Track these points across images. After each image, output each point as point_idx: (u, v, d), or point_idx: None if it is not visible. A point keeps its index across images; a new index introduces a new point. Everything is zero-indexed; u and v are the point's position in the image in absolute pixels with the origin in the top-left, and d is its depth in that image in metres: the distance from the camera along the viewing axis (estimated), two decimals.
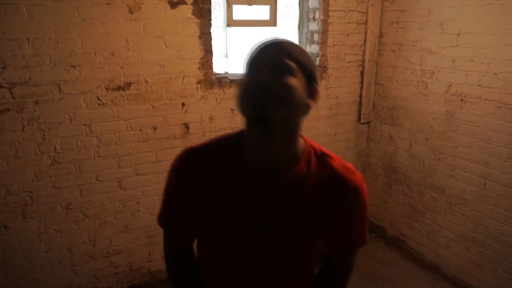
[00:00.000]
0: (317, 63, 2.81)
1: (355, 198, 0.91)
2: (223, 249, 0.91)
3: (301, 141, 0.90)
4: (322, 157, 0.92)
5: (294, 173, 0.88)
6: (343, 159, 0.95)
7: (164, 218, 0.99)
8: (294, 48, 0.84)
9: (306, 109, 0.84)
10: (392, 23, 2.85)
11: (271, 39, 0.87)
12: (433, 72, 2.56)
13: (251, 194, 0.87)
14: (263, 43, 0.85)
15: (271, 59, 0.81)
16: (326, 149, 0.95)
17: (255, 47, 0.85)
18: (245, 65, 0.85)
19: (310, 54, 0.99)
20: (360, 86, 3.04)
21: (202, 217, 0.90)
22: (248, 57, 0.85)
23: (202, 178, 0.89)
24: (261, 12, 2.70)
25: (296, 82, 0.80)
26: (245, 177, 0.87)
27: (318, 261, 0.98)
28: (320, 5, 2.68)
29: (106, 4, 1.99)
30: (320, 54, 2.78)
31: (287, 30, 3.01)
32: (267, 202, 0.86)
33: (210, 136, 2.48)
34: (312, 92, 0.85)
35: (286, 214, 0.87)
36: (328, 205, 0.89)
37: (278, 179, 0.87)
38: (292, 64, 0.80)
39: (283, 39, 0.88)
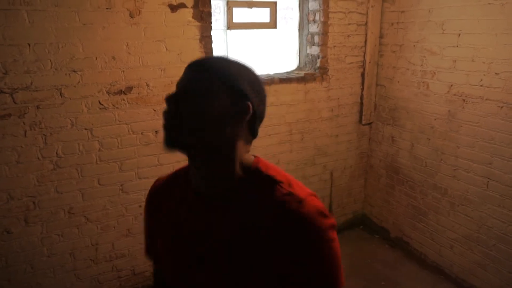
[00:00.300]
0: (317, 64, 2.81)
1: (299, 238, 0.70)
2: (170, 282, 0.87)
3: (245, 165, 0.78)
4: (266, 183, 0.76)
5: (230, 205, 0.76)
6: (303, 185, 0.78)
7: (147, 249, 0.98)
8: (214, 66, 0.75)
9: (232, 130, 0.74)
10: (392, 24, 2.85)
11: (197, 60, 0.79)
12: (434, 73, 2.56)
13: (189, 225, 0.80)
14: (186, 66, 0.78)
15: (181, 84, 0.76)
16: (278, 173, 0.79)
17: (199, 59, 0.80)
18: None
19: (252, 70, 0.80)
20: (361, 87, 3.04)
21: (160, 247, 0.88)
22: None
23: (160, 209, 0.88)
24: (261, 14, 2.71)
25: (201, 101, 0.72)
26: (187, 207, 0.82)
27: None
28: (320, 7, 2.69)
29: (107, 8, 2.00)
30: (320, 56, 2.78)
31: (287, 32, 3.02)
32: (201, 235, 0.78)
33: None
34: (241, 110, 0.74)
35: (218, 252, 0.76)
36: (267, 246, 0.71)
37: (213, 210, 0.77)
38: (200, 86, 0.72)
39: (209, 58, 0.80)
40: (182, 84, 0.75)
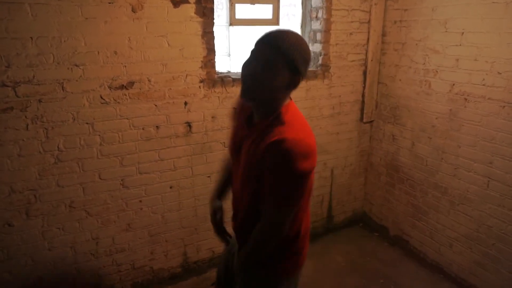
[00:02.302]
0: (319, 62, 2.80)
1: (269, 154, 1.12)
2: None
3: (273, 109, 1.20)
4: (277, 123, 1.16)
5: (255, 128, 1.23)
6: (306, 134, 1.16)
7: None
8: (286, 42, 1.12)
9: (284, 92, 1.18)
10: (395, 22, 2.84)
11: (274, 31, 1.16)
12: (437, 71, 2.55)
13: (241, 135, 1.30)
14: (265, 34, 1.16)
15: (259, 53, 1.14)
16: (293, 117, 1.19)
17: (260, 35, 1.17)
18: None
19: (307, 49, 1.19)
20: (363, 85, 3.04)
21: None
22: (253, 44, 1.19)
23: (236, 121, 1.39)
24: (264, 11, 2.70)
25: (269, 75, 1.12)
26: (242, 127, 1.31)
27: (251, 193, 1.26)
28: (323, 4, 2.68)
29: (109, 3, 2.00)
30: (322, 53, 2.78)
31: (290, 29, 3.01)
32: (240, 139, 1.31)
33: (212, 135, 2.48)
34: (293, 82, 1.17)
35: (246, 150, 1.24)
36: (254, 161, 1.18)
37: (250, 129, 1.26)
38: (273, 59, 1.11)
39: (284, 32, 1.15)
40: (261, 57, 1.13)
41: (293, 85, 1.17)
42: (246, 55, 1.19)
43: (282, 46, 1.10)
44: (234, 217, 1.42)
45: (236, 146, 1.32)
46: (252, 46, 1.18)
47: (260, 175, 1.16)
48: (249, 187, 1.25)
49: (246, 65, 1.16)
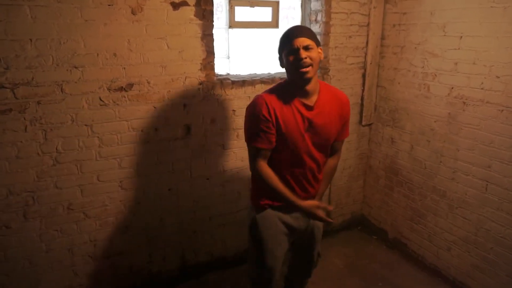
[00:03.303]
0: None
1: (348, 108, 1.83)
2: (290, 145, 1.71)
3: (317, 83, 1.71)
4: (327, 87, 1.78)
5: (318, 101, 1.70)
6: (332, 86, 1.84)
7: (256, 139, 1.67)
8: (306, 29, 1.66)
9: (319, 63, 1.69)
10: (394, 25, 2.85)
11: (296, 25, 1.75)
12: (435, 75, 2.56)
13: (301, 116, 1.68)
14: (294, 27, 1.69)
15: (300, 43, 1.59)
16: (328, 84, 1.83)
17: (285, 33, 1.68)
18: (281, 45, 1.67)
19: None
20: (362, 88, 3.04)
21: (277, 133, 1.68)
22: (282, 39, 1.67)
23: (275, 113, 1.64)
24: (263, 13, 2.71)
25: (315, 52, 1.62)
26: (299, 106, 1.68)
27: (330, 146, 1.84)
28: (323, 7, 2.69)
29: (109, 5, 2.00)
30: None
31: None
32: (308, 118, 1.69)
33: (211, 137, 2.48)
34: (319, 52, 1.67)
35: (318, 122, 1.70)
36: (339, 113, 1.78)
37: (311, 105, 1.69)
38: (310, 41, 1.61)
39: (298, 25, 1.80)
40: (303, 46, 1.59)
41: (321, 55, 1.68)
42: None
43: (309, 30, 1.67)
44: (308, 187, 1.82)
45: (303, 128, 1.68)
46: (284, 43, 1.65)
47: (342, 122, 1.80)
48: (329, 142, 1.78)
49: (294, 57, 1.60)
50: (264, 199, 1.82)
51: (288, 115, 1.65)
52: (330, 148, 1.83)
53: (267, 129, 1.64)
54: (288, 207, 1.78)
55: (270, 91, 1.71)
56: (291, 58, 1.60)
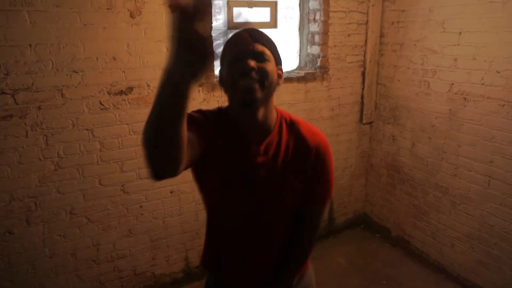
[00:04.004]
0: (318, 64, 2.81)
1: (319, 158, 1.12)
2: (223, 202, 1.13)
3: (273, 113, 1.11)
4: (291, 125, 1.13)
5: (269, 141, 1.09)
6: (309, 123, 1.18)
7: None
8: (264, 35, 1.06)
9: (276, 87, 1.06)
10: (393, 23, 2.85)
11: (243, 28, 1.07)
12: (435, 71, 2.56)
13: (238, 160, 1.08)
14: (245, 29, 1.06)
15: (250, 47, 1.01)
16: (294, 116, 1.16)
17: (231, 36, 1.06)
18: (224, 53, 1.05)
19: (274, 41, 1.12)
20: (362, 86, 3.04)
21: (204, 164, 1.07)
22: (226, 45, 1.06)
23: (212, 137, 1.06)
24: (262, 14, 2.71)
25: (272, 66, 1.03)
26: (236, 146, 1.09)
27: (291, 213, 1.17)
28: (321, 6, 2.68)
29: (107, 9, 2.00)
30: (321, 55, 2.78)
31: (288, 32, 3.02)
32: (249, 166, 1.08)
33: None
34: (279, 74, 1.08)
35: (264, 175, 1.09)
36: (298, 166, 1.11)
37: (257, 147, 1.09)
38: (267, 50, 1.03)
39: (252, 28, 1.07)
40: (255, 53, 1.01)
41: (280, 78, 1.08)
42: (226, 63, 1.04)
43: (263, 37, 1.05)
44: (258, 264, 1.20)
45: (237, 179, 1.09)
46: (227, 50, 1.05)
47: (306, 176, 1.11)
48: (291, 201, 1.13)
49: (236, 67, 1.00)
50: (215, 264, 1.26)
51: (222, 158, 1.08)
52: (292, 215, 1.17)
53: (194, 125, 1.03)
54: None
55: (212, 114, 1.12)
56: (236, 68, 1.00)
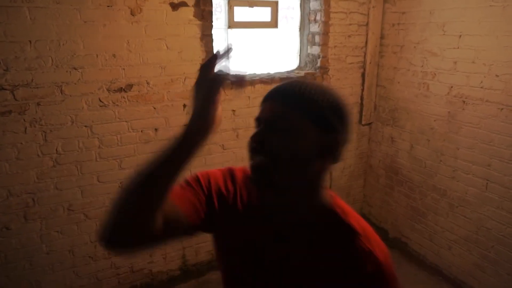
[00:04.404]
0: (318, 64, 2.81)
1: (379, 284, 0.78)
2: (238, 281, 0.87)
3: (322, 201, 0.79)
4: (347, 232, 0.77)
5: (307, 241, 0.76)
6: (374, 233, 0.81)
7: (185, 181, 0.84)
8: (296, 96, 0.73)
9: (320, 164, 0.75)
10: (393, 24, 2.85)
11: (291, 80, 0.80)
12: (435, 74, 2.56)
13: (258, 245, 0.81)
14: (281, 84, 0.79)
15: (263, 118, 0.75)
16: (354, 218, 0.81)
17: (278, 85, 0.79)
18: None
19: (328, 93, 0.76)
20: (361, 87, 3.04)
21: (221, 231, 0.87)
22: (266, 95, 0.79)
23: (231, 201, 0.85)
24: (262, 13, 2.71)
25: (292, 139, 0.72)
26: (256, 227, 0.82)
27: None
28: (321, 7, 2.69)
29: (108, 6, 2.00)
30: (321, 56, 2.78)
31: (288, 32, 3.02)
32: (271, 257, 0.80)
33: (211, 137, 2.48)
34: (330, 145, 0.74)
35: (294, 280, 0.77)
36: (334, 275, 0.76)
37: (284, 239, 0.78)
38: (289, 114, 0.72)
39: (294, 80, 0.80)
40: (265, 119, 0.74)
41: (329, 149, 0.74)
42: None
43: (292, 96, 0.74)
44: None
45: (253, 256, 0.82)
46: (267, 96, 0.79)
47: None
48: None
49: (252, 145, 0.75)
50: None
51: (240, 239, 0.85)
52: None
53: (199, 192, 0.83)
54: None
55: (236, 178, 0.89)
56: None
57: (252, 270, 0.83)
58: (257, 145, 0.73)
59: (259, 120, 0.76)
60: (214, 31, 2.33)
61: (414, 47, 2.68)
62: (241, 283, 0.87)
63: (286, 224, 0.80)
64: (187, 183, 0.83)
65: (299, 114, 0.72)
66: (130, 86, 2.17)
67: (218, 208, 0.83)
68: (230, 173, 0.88)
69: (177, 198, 0.77)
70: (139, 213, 0.68)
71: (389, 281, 0.78)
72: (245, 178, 0.87)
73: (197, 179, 0.84)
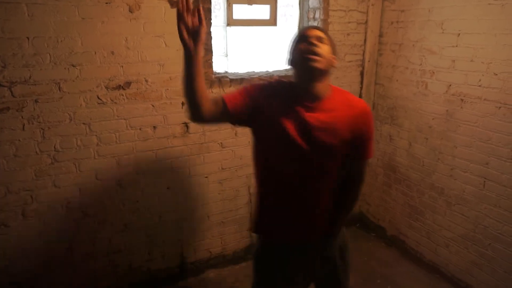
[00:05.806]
0: None
1: (367, 121, 1.43)
2: (279, 150, 1.40)
3: (328, 88, 1.41)
4: (341, 93, 1.45)
5: (325, 105, 1.39)
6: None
7: (229, 98, 1.39)
8: (324, 31, 1.42)
9: (331, 66, 1.38)
10: (392, 22, 2.85)
11: (311, 26, 1.65)
12: (433, 72, 2.56)
13: (295, 113, 1.37)
14: (307, 27, 1.58)
15: (313, 33, 1.37)
16: (345, 91, 1.48)
17: (302, 29, 1.57)
18: (295, 39, 1.42)
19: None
20: (360, 85, 3.04)
21: (262, 122, 1.40)
22: (297, 33, 1.45)
23: (269, 98, 1.40)
24: (261, 11, 2.70)
25: (328, 48, 1.36)
26: (293, 103, 1.38)
27: (341, 162, 1.45)
28: (321, 4, 2.68)
29: (106, 3, 1.99)
30: None
31: (287, 29, 3.01)
32: (309, 122, 1.36)
33: (210, 135, 2.48)
34: (334, 59, 1.40)
35: (321, 129, 1.36)
36: (347, 123, 1.38)
37: (315, 108, 1.38)
38: (324, 36, 1.37)
39: (318, 26, 1.67)
40: (316, 36, 1.36)
41: (334, 60, 1.40)
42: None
43: (323, 31, 1.41)
44: (310, 219, 1.48)
45: (297, 130, 1.36)
46: (298, 37, 1.42)
47: (355, 135, 1.40)
48: (330, 155, 1.40)
49: (303, 43, 1.36)
50: (269, 225, 1.52)
51: (281, 111, 1.38)
52: (339, 167, 1.46)
53: (241, 97, 1.38)
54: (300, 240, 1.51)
55: (276, 82, 1.49)
56: (301, 46, 1.35)
57: (290, 146, 1.37)
58: (318, 47, 1.32)
59: (307, 37, 1.35)
60: (212, 29, 2.32)
61: (413, 45, 2.68)
62: (282, 162, 1.41)
63: (314, 99, 1.38)
64: (239, 91, 1.41)
65: (330, 44, 1.39)
66: (128, 84, 2.16)
67: (258, 106, 1.39)
68: (269, 82, 1.48)
69: (227, 98, 1.37)
70: (191, 98, 1.30)
71: (370, 115, 1.46)
72: (280, 82, 1.49)
73: (245, 88, 1.42)
